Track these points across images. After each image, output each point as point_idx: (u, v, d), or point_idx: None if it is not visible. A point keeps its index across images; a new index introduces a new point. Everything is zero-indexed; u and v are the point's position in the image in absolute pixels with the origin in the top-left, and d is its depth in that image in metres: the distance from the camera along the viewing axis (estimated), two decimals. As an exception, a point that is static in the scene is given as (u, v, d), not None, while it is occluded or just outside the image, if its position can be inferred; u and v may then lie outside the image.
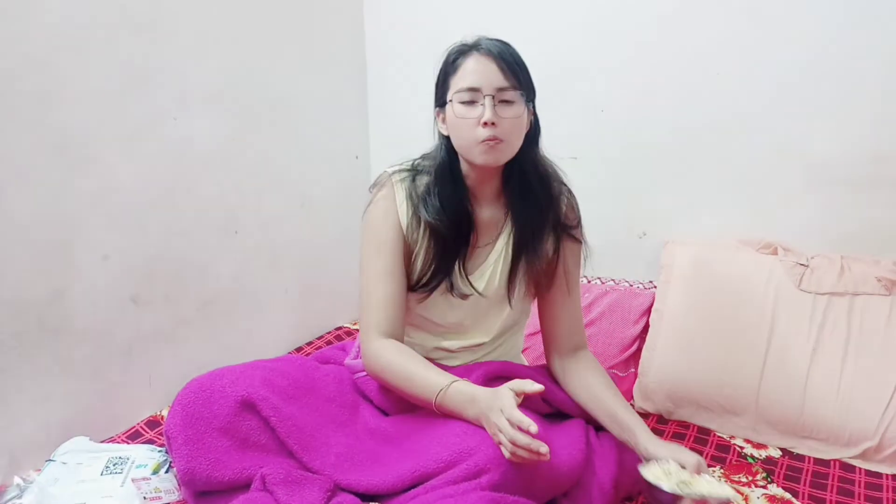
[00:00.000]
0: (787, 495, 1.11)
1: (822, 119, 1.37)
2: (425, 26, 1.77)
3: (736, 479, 1.15)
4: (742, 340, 1.31)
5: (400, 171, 1.11)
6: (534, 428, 0.84)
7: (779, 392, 1.26)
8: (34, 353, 1.15)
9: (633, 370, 1.47)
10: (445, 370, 1.03)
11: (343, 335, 1.78)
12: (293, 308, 1.72)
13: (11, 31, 1.07)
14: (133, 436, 1.27)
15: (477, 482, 0.87)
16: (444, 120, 1.06)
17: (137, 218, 1.30)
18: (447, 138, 1.06)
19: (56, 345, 1.18)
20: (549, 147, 1.12)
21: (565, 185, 1.13)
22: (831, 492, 1.12)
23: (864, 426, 1.19)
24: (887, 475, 1.16)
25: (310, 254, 1.76)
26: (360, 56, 1.88)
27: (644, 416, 1.36)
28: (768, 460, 1.22)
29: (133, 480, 1.02)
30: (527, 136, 1.05)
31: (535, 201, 1.08)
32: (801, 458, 1.23)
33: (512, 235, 1.11)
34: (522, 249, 1.10)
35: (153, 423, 1.31)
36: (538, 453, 0.85)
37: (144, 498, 1.01)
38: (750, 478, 1.16)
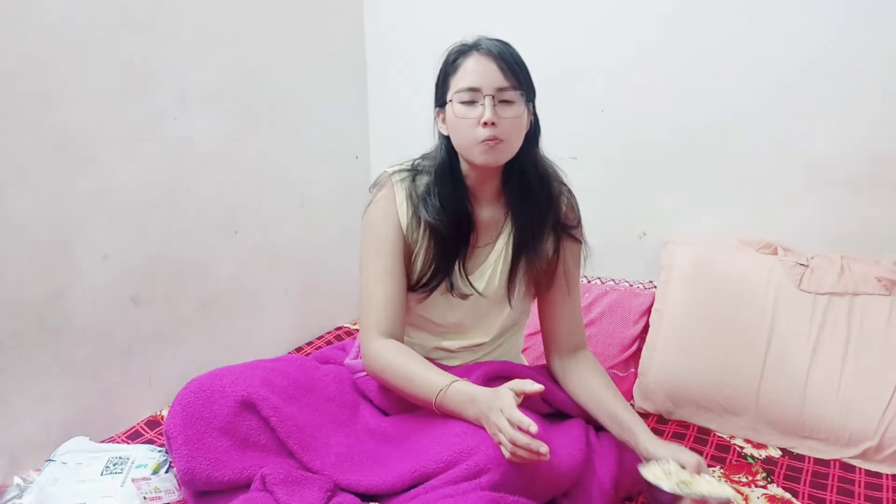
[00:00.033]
0: (787, 495, 1.11)
1: (822, 119, 1.37)
2: (425, 26, 1.77)
3: (736, 479, 1.15)
4: (742, 340, 1.31)
5: (400, 171, 1.11)
6: (534, 428, 0.84)
7: (779, 392, 1.26)
8: (34, 353, 1.15)
9: (633, 370, 1.47)
10: (445, 370, 1.03)
11: (343, 335, 1.78)
12: (293, 308, 1.72)
13: (11, 31, 1.07)
14: (133, 436, 1.27)
15: (477, 482, 0.87)
16: (443, 120, 1.06)
17: (137, 218, 1.30)
18: (447, 138, 1.06)
19: (56, 345, 1.18)
20: (550, 147, 1.12)
21: (565, 185, 1.13)
22: (831, 492, 1.12)
23: (864, 426, 1.19)
24: (887, 475, 1.16)
25: (310, 254, 1.76)
26: (359, 56, 1.88)
27: (644, 416, 1.36)
28: (768, 460, 1.22)
29: (133, 480, 1.02)
30: (527, 135, 1.05)
31: (535, 201, 1.08)
32: (801, 458, 1.23)
33: (512, 235, 1.11)
34: (522, 249, 1.10)
35: (153, 423, 1.31)
36: (538, 453, 0.85)
37: (144, 498, 1.01)
38: (750, 478, 1.16)
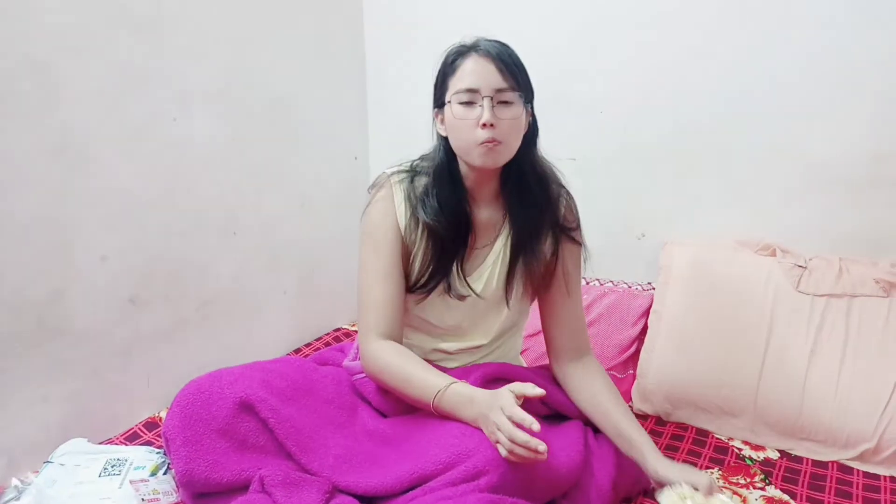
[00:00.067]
0: (786, 497, 1.11)
1: (822, 119, 1.37)
2: (425, 27, 1.77)
3: (734, 480, 1.16)
4: (740, 342, 1.31)
5: (398, 172, 1.11)
6: (535, 426, 0.84)
7: (777, 393, 1.26)
8: (33, 354, 1.15)
9: (631, 371, 1.47)
10: (443, 372, 1.03)
11: (342, 336, 1.78)
12: (292, 309, 1.72)
13: (11, 31, 1.07)
14: (131, 437, 1.27)
15: (475, 484, 0.87)
16: (442, 121, 1.06)
17: (137, 218, 1.29)
18: (445, 139, 1.07)
19: (55, 345, 1.18)
20: (548, 148, 1.12)
21: (564, 187, 1.13)
22: (829, 493, 1.12)
23: (861, 428, 1.19)
24: (885, 477, 1.16)
25: (309, 254, 1.76)
26: (359, 56, 1.88)
27: (642, 417, 1.36)
28: (766, 462, 1.22)
29: (131, 482, 1.02)
30: (525, 137, 1.05)
31: (534, 202, 1.09)
32: (799, 459, 1.23)
33: (510, 237, 1.11)
34: (520, 251, 1.10)
35: (151, 424, 1.31)
36: (536, 451, 0.85)
37: (143, 500, 1.01)
38: (748, 479, 1.16)
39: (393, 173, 1.11)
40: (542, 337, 1.21)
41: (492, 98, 0.99)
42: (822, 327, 1.28)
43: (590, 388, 1.11)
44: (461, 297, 1.10)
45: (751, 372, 1.29)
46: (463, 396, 0.96)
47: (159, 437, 1.23)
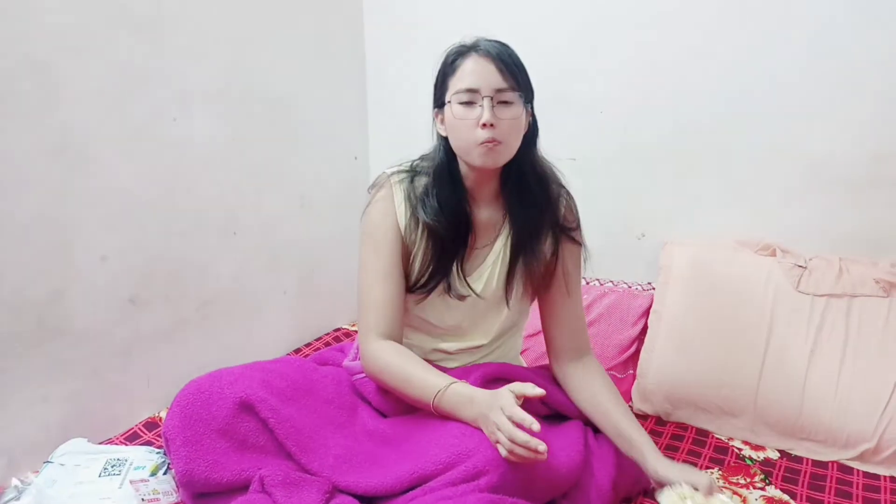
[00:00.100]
0: (786, 497, 1.11)
1: (822, 119, 1.37)
2: (425, 27, 1.77)
3: (734, 480, 1.16)
4: (740, 342, 1.31)
5: (398, 172, 1.11)
6: (536, 426, 0.84)
7: (777, 393, 1.26)
8: (33, 354, 1.15)
9: (631, 372, 1.47)
10: (443, 372, 1.03)
11: (342, 336, 1.78)
12: (292, 309, 1.72)
13: (11, 31, 1.07)
14: (131, 437, 1.27)
15: (475, 484, 0.87)
16: (442, 121, 1.06)
17: (137, 218, 1.30)
18: (445, 139, 1.07)
19: (55, 345, 1.18)
20: (548, 148, 1.12)
21: (564, 187, 1.13)
22: (829, 493, 1.12)
23: (861, 428, 1.19)
24: (885, 477, 1.16)
25: (309, 254, 1.76)
26: (359, 56, 1.88)
27: (642, 417, 1.36)
28: (766, 462, 1.22)
29: (131, 482, 1.02)
30: (525, 136, 1.05)
31: (533, 202, 1.09)
32: (799, 459, 1.23)
33: (510, 237, 1.11)
34: (520, 251, 1.10)
35: (151, 424, 1.31)
36: (536, 451, 0.85)
37: (143, 500, 1.01)
38: (748, 479, 1.16)
39: (393, 173, 1.11)
40: (542, 337, 1.21)
41: (492, 98, 0.99)
42: (822, 327, 1.28)
43: (590, 388, 1.11)
44: (461, 297, 1.10)
45: (751, 372, 1.29)
46: (463, 396, 0.96)
47: (159, 437, 1.23)
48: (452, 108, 1.01)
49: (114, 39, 1.22)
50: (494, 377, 1.10)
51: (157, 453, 1.11)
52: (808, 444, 1.25)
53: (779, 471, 1.19)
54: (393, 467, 0.95)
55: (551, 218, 1.11)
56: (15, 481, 1.07)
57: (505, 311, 1.14)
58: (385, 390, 1.08)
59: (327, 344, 1.71)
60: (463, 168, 1.08)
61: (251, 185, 1.56)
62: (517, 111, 1.01)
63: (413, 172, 1.11)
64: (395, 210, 1.09)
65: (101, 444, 1.21)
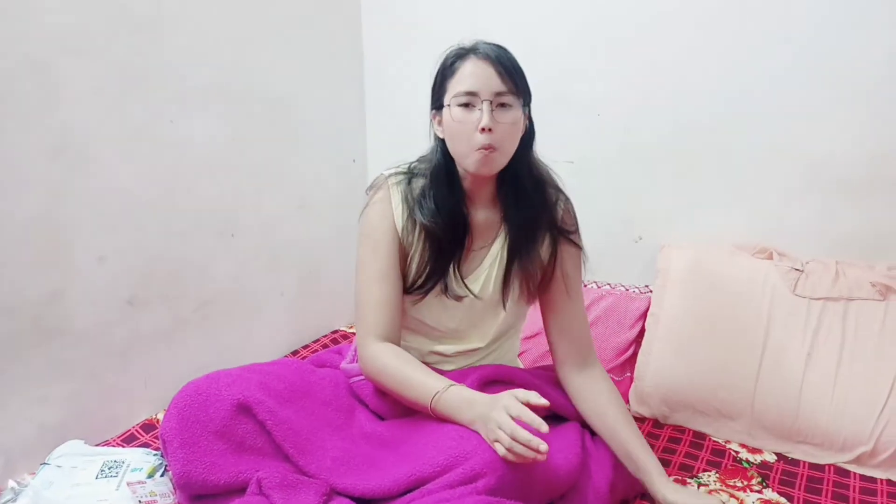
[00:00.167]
0: (783, 500, 1.11)
1: (822, 119, 1.37)
2: (424, 27, 1.77)
3: (731, 483, 1.16)
4: (737, 345, 1.32)
5: (396, 173, 1.12)
6: (544, 427, 0.85)
7: (774, 396, 1.27)
8: (30, 355, 1.14)
9: (628, 374, 1.47)
10: (440, 374, 1.03)
11: (339, 339, 1.78)
12: (290, 310, 1.72)
13: (11, 31, 1.07)
14: (128, 439, 1.26)
15: (473, 486, 0.87)
16: (440, 123, 1.06)
17: (136, 218, 1.29)
18: (443, 141, 1.06)
19: (53, 346, 1.18)
20: (546, 150, 1.12)
21: (562, 191, 1.13)
22: (826, 496, 1.12)
23: (858, 431, 1.19)
24: (881, 480, 1.16)
25: (307, 256, 1.76)
26: (357, 57, 1.88)
27: (640, 420, 1.37)
28: (763, 465, 1.22)
29: (128, 484, 1.02)
30: (521, 139, 1.05)
31: (530, 205, 1.09)
32: (795, 462, 1.23)
33: (507, 239, 1.11)
34: (517, 253, 1.10)
35: (149, 426, 1.31)
36: (537, 450, 0.84)
37: (140, 501, 1.00)
38: (745, 482, 1.16)
39: (390, 175, 1.11)
40: (540, 339, 1.21)
41: (491, 101, 0.99)
42: (818, 330, 1.28)
43: (596, 401, 1.09)
44: (458, 298, 1.10)
45: (748, 375, 1.29)
46: (462, 399, 0.96)
47: (157, 438, 1.23)
48: (451, 111, 1.01)
49: (114, 39, 1.22)
50: (492, 379, 1.10)
51: (155, 455, 1.10)
52: (805, 447, 1.25)
53: (776, 474, 1.19)
54: (390, 470, 0.95)
55: (548, 220, 1.11)
56: (12, 483, 1.07)
57: (502, 314, 1.14)
58: (382, 393, 1.08)
59: (325, 346, 1.71)
60: (460, 169, 1.08)
61: (250, 185, 1.56)
62: (516, 115, 1.01)
63: (410, 174, 1.11)
64: (392, 211, 1.09)
65: (98, 445, 1.21)
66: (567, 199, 1.14)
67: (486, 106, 0.98)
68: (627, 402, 1.41)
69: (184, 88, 1.36)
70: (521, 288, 1.13)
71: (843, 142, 1.36)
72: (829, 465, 1.21)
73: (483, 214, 1.11)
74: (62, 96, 1.15)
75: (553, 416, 1.13)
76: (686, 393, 1.34)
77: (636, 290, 1.58)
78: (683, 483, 1.13)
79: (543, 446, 0.85)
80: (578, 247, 1.14)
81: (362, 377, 1.11)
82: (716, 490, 1.13)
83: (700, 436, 1.32)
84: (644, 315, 1.50)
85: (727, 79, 1.44)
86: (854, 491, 1.14)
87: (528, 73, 1.04)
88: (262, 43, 1.55)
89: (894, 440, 1.16)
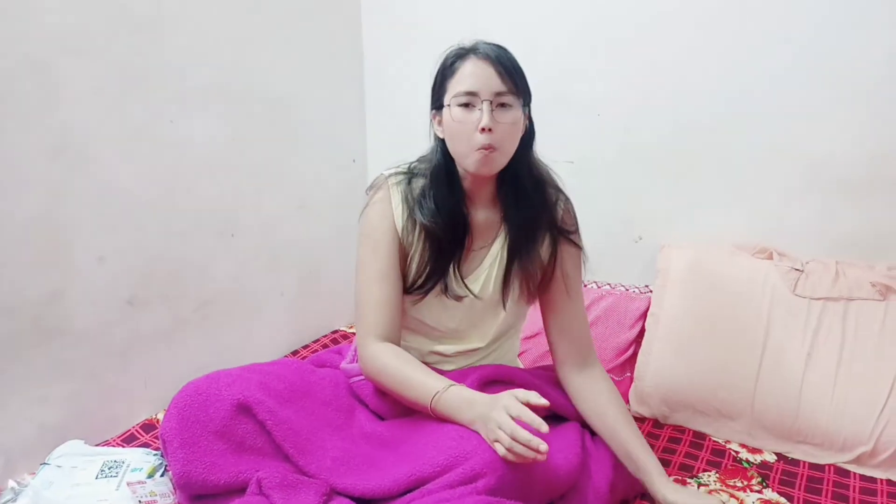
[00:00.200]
0: (783, 500, 1.11)
1: (822, 119, 1.37)
2: (424, 27, 1.77)
3: (731, 483, 1.16)
4: (737, 345, 1.32)
5: (396, 173, 1.12)
6: (544, 427, 0.85)
7: (774, 396, 1.27)
8: (31, 355, 1.15)
9: (628, 374, 1.47)
10: (440, 374, 1.03)
11: (339, 339, 1.78)
12: (290, 310, 1.72)
13: (11, 31, 1.07)
14: (128, 439, 1.26)
15: (473, 486, 0.87)
16: (440, 123, 1.06)
17: (136, 218, 1.30)
18: (443, 140, 1.07)
19: (53, 346, 1.18)
20: (546, 151, 1.12)
21: (562, 191, 1.13)
22: (826, 496, 1.12)
23: (858, 431, 1.19)
24: (882, 480, 1.17)
25: (307, 256, 1.76)
26: (357, 57, 1.88)
27: (640, 420, 1.37)
28: (763, 465, 1.22)
29: (128, 484, 1.02)
30: (521, 139, 1.05)
31: (530, 205, 1.09)
32: (795, 462, 1.23)
33: (507, 239, 1.11)
34: (516, 253, 1.10)
35: (149, 426, 1.31)
36: (537, 450, 0.85)
37: (139, 501, 1.01)
38: (745, 482, 1.16)
39: (390, 175, 1.12)
40: (539, 339, 1.21)
41: (491, 102, 0.99)
42: (818, 330, 1.28)
43: (596, 401, 1.09)
44: (458, 298, 1.10)
45: (748, 375, 1.29)
46: (462, 399, 0.96)
47: (156, 438, 1.23)
48: (451, 111, 1.01)
49: (114, 39, 1.22)
50: (492, 379, 1.10)
51: (155, 455, 1.11)
52: (805, 448, 1.25)
53: (776, 474, 1.19)
54: (390, 470, 0.95)
55: (548, 220, 1.11)
56: (12, 483, 1.07)
57: (502, 314, 1.14)
58: (382, 393, 1.08)
59: (325, 346, 1.71)
60: (460, 170, 1.08)
61: (250, 185, 1.56)
62: (516, 115, 1.01)
63: (410, 174, 1.11)
64: (392, 211, 1.09)
65: (98, 445, 1.21)
66: (567, 199, 1.14)
67: (486, 106, 0.98)
68: (627, 402, 1.41)
69: (184, 88, 1.36)
70: (521, 288, 1.13)
71: (843, 142, 1.36)
72: (829, 465, 1.21)
73: (483, 214, 1.11)
74: (62, 96, 1.15)
75: (553, 416, 1.13)
76: (686, 393, 1.34)
77: (636, 290, 1.58)
78: (683, 483, 1.14)
79: (543, 446, 0.85)
80: (578, 247, 1.14)
81: (362, 377, 1.11)
82: (716, 490, 1.13)
83: (700, 436, 1.32)
84: (644, 315, 1.50)
85: (727, 79, 1.44)
86: (854, 491, 1.14)
87: (528, 73, 1.04)
88: (262, 43, 1.55)
89: (894, 440, 1.17)
